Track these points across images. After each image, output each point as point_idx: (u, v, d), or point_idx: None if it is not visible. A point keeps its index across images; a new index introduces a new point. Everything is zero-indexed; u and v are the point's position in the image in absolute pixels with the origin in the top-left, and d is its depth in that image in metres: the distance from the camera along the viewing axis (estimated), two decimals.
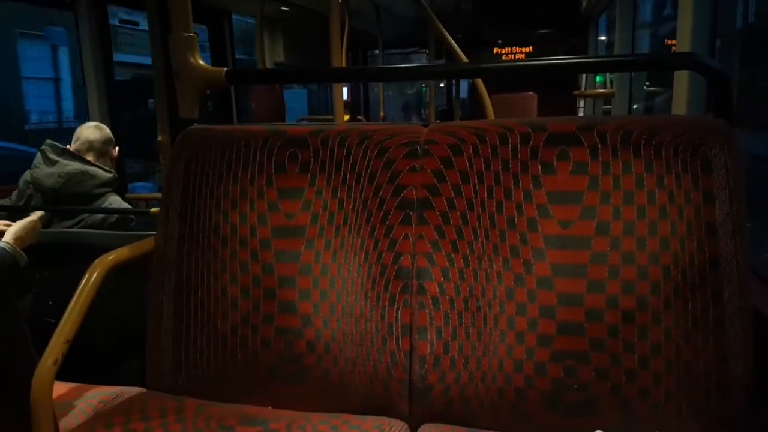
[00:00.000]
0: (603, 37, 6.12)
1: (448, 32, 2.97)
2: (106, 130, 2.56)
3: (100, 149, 2.50)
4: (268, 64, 5.27)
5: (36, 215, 1.96)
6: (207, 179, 1.27)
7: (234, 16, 5.17)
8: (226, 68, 1.36)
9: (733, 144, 1.03)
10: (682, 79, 1.65)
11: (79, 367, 1.22)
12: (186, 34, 1.35)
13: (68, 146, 2.46)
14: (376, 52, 6.45)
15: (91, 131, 2.51)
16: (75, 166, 2.35)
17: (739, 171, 1.03)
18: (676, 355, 1.02)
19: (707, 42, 1.64)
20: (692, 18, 1.62)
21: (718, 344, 1.01)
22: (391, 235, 1.16)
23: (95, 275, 1.11)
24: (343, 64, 2.75)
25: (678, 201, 1.04)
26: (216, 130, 1.34)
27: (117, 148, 2.62)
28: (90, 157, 2.44)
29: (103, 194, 2.42)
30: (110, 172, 2.48)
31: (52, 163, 2.34)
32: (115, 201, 2.47)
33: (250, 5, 4.70)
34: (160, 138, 2.15)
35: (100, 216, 2.38)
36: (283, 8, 5.44)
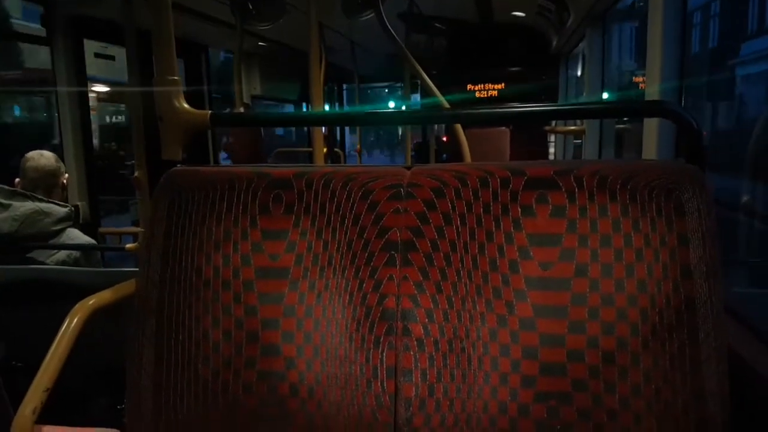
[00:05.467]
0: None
1: (423, 69, 3.00)
2: (50, 158, 2.45)
3: (47, 182, 2.40)
4: (245, 98, 5.31)
5: None
6: (190, 221, 1.26)
7: None
8: (210, 111, 1.37)
9: (704, 189, 1.08)
10: (651, 125, 1.71)
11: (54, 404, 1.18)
12: (170, 78, 1.36)
13: (17, 180, 2.38)
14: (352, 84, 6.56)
15: (33, 164, 2.40)
16: (28, 206, 2.27)
17: (711, 215, 1.07)
18: (655, 396, 1.04)
19: (676, 88, 1.71)
20: (660, 65, 1.69)
21: (696, 383, 1.03)
22: (375, 277, 1.16)
23: (75, 321, 1.09)
24: (322, 100, 2.79)
25: (653, 244, 1.07)
26: (199, 171, 1.34)
27: (67, 175, 2.50)
28: (40, 193, 2.35)
29: (62, 230, 2.34)
30: (65, 205, 2.38)
31: (5, 207, 2.26)
32: (75, 236, 2.38)
33: (228, 40, 4.75)
34: (136, 173, 2.13)
35: (64, 253, 2.29)
36: (260, 43, 5.51)
